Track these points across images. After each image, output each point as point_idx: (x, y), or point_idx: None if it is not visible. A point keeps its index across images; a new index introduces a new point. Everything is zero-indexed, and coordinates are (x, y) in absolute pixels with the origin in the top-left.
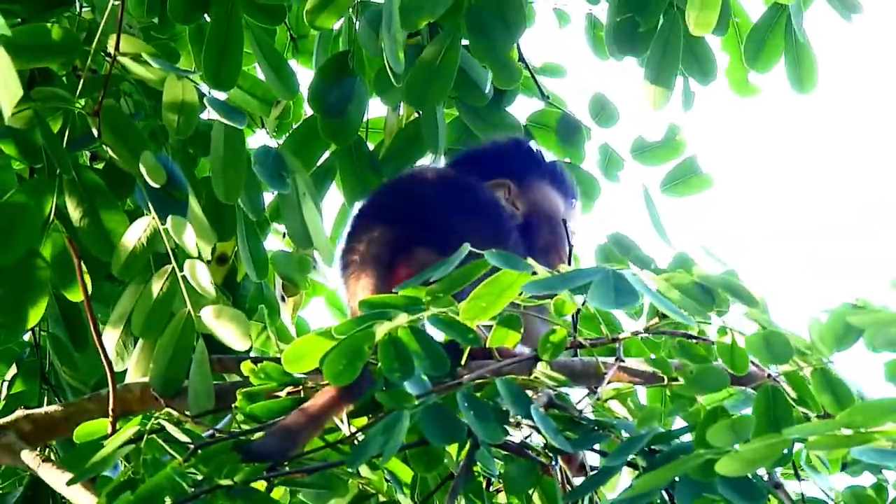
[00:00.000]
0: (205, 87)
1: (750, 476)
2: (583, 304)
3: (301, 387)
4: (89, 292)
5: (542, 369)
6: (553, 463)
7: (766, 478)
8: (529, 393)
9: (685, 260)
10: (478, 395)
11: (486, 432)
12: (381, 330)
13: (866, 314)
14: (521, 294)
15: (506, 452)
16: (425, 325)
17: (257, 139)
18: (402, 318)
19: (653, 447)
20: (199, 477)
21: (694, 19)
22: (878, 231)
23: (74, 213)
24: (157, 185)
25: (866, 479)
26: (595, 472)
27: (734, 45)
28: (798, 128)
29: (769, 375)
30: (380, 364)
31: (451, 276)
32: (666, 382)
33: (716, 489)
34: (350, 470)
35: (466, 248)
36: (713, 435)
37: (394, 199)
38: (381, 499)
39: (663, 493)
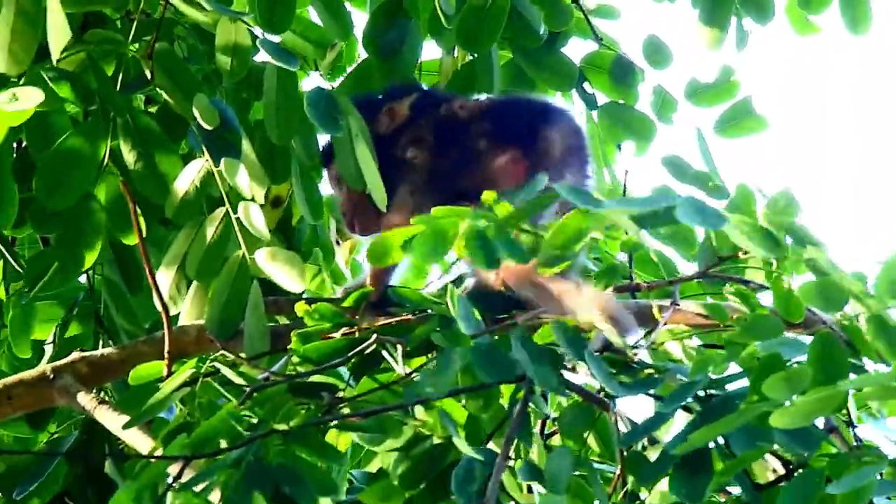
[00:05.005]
0: (258, 30)
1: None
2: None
3: (355, 328)
4: (144, 236)
5: None
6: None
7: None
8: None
9: (746, 194)
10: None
11: (540, 377)
12: (465, 224)
13: None
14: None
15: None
16: None
17: (311, 82)
18: (485, 221)
19: (708, 391)
20: (255, 420)
21: None
22: None
23: (129, 156)
24: (210, 128)
25: None
26: (649, 417)
27: None
28: (855, 68)
29: (824, 322)
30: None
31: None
32: (721, 327)
33: (771, 437)
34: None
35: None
36: (769, 387)
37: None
38: (436, 440)
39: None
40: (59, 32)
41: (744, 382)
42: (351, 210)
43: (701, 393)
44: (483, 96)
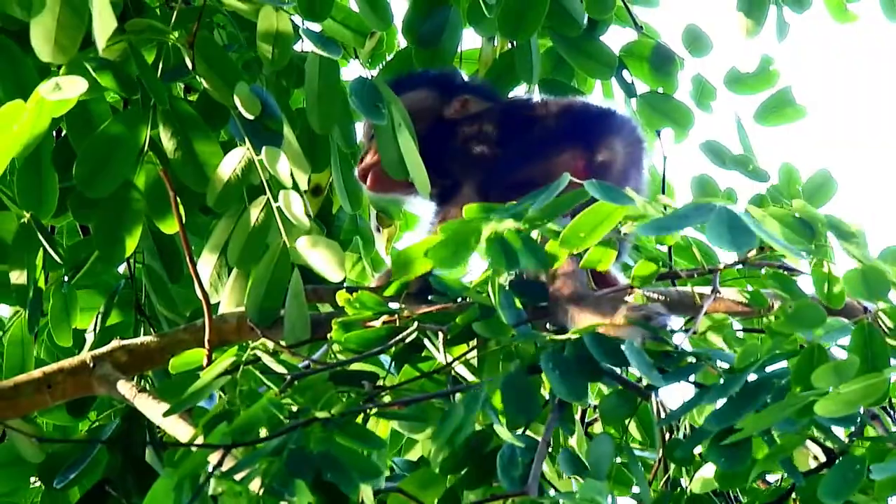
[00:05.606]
0: (298, 19)
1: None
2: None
3: (396, 316)
4: (184, 224)
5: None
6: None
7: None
8: None
9: (790, 172)
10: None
11: (570, 394)
12: (489, 228)
13: None
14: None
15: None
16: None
17: (351, 71)
18: (510, 223)
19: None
20: (295, 408)
21: None
22: None
23: (169, 144)
24: (251, 117)
25: None
26: (690, 399)
27: None
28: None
29: (865, 309)
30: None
31: (551, 204)
32: (762, 314)
33: (812, 425)
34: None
35: (567, 177)
36: (818, 378)
37: None
38: (477, 427)
39: None
40: (104, 22)
41: (780, 363)
42: (372, 162)
43: None
44: (543, 95)
